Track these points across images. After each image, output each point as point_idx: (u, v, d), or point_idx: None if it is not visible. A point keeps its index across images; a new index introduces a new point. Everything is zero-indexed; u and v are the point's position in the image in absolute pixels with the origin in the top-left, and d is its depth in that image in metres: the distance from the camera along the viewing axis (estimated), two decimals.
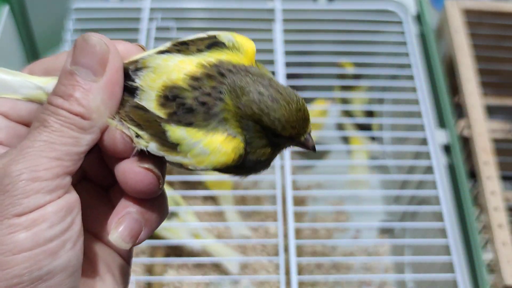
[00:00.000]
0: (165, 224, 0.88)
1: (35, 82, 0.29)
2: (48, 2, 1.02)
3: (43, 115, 0.26)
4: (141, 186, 0.28)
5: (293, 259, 0.75)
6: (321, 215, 1.05)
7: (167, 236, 0.88)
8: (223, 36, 0.30)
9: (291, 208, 0.79)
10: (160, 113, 0.28)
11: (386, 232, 1.02)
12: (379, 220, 1.04)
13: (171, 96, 0.28)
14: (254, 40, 0.31)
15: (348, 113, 1.10)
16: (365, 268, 0.98)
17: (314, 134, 1.15)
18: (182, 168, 0.29)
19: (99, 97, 0.27)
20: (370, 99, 1.11)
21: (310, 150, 0.30)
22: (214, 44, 0.30)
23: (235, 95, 0.28)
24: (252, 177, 0.55)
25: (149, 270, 0.93)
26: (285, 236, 0.78)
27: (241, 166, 0.29)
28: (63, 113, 0.26)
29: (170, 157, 0.28)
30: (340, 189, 1.04)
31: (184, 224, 0.90)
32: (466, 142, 0.91)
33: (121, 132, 0.27)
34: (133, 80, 0.29)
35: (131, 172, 0.28)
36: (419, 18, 0.99)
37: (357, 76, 1.04)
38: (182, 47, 0.30)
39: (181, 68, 0.28)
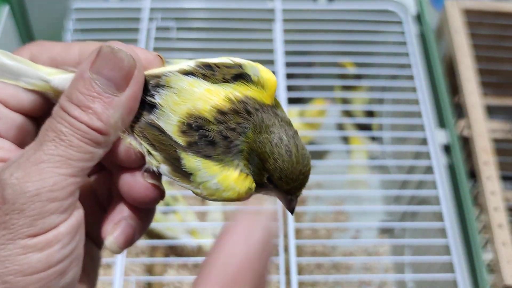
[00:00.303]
0: (165, 223, 0.88)
1: (40, 73, 0.27)
2: (48, 2, 1.02)
3: (58, 125, 0.25)
4: (145, 199, 0.28)
5: (293, 259, 0.75)
6: (321, 215, 1.05)
7: (167, 235, 0.88)
8: (249, 67, 0.29)
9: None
10: (180, 140, 0.27)
11: (386, 232, 1.02)
12: (379, 220, 1.04)
13: (195, 126, 0.27)
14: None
15: (348, 113, 1.10)
16: (365, 268, 0.98)
17: (314, 134, 1.14)
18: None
19: (119, 112, 0.26)
20: (370, 99, 1.11)
21: (289, 210, 0.30)
22: (240, 76, 0.29)
23: (258, 131, 0.28)
24: None
25: (149, 270, 0.93)
26: (285, 236, 0.78)
27: None
28: (81, 126, 0.25)
29: (181, 183, 0.28)
30: (340, 189, 1.04)
31: (184, 224, 0.90)
32: (466, 142, 0.91)
33: (134, 148, 0.27)
34: (152, 96, 0.28)
35: (137, 185, 0.28)
36: (419, 18, 0.99)
37: (357, 76, 1.04)
38: (207, 72, 0.29)
39: (208, 98, 0.28)
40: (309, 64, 1.02)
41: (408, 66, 0.94)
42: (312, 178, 0.29)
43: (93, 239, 0.31)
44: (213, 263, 0.23)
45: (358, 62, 1.00)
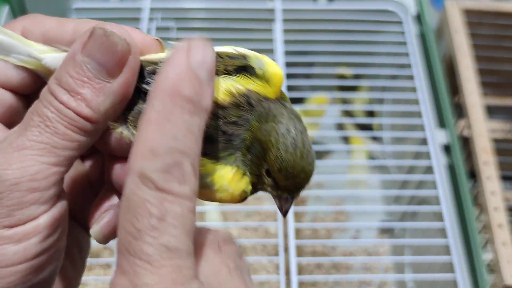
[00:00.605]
0: None
1: (31, 50, 0.26)
2: (48, 2, 1.01)
3: (45, 109, 0.23)
4: None
5: (293, 259, 0.75)
6: (321, 215, 1.05)
7: None
8: (254, 59, 0.27)
9: (291, 207, 0.79)
10: None
11: (386, 232, 1.02)
12: (379, 220, 1.04)
13: None
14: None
15: (348, 113, 1.10)
16: (365, 268, 0.98)
17: (314, 134, 1.14)
18: None
19: (110, 100, 0.24)
20: (370, 99, 1.11)
21: (280, 211, 0.28)
22: (243, 68, 0.27)
23: (265, 119, 0.26)
24: None
25: None
26: (285, 236, 0.78)
27: None
28: (68, 113, 0.23)
29: None
30: (340, 189, 1.04)
31: None
32: (466, 142, 0.91)
33: (126, 137, 0.25)
34: (147, 83, 0.25)
35: None
36: (419, 18, 0.99)
37: (357, 76, 1.05)
38: None
39: None
40: (309, 64, 1.02)
41: (408, 66, 0.94)
42: (312, 178, 0.28)
43: (83, 225, 0.29)
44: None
45: (358, 62, 1.00)
